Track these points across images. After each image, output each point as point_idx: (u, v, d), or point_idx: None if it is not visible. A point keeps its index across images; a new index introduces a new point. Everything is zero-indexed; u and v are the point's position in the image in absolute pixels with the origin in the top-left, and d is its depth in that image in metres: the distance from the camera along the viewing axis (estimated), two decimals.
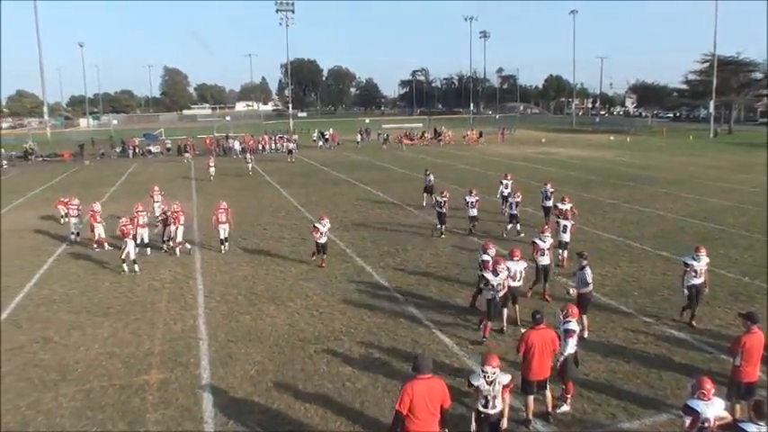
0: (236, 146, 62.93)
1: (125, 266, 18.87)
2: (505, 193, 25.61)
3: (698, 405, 7.43)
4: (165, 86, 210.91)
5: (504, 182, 26.26)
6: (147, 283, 17.71)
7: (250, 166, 45.52)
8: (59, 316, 15.16)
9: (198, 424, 9.97)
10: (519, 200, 23.23)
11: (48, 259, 20.72)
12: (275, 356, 12.49)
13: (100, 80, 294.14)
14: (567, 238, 18.57)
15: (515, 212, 22.76)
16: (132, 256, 18.95)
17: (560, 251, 18.59)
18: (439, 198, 23.06)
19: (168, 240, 21.54)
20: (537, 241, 15.59)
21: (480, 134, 75.90)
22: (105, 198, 32.94)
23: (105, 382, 11.52)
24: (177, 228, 21.11)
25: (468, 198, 23.11)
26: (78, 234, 23.26)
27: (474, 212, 23.03)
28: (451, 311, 14.86)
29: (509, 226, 22.71)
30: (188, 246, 21.49)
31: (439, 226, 22.94)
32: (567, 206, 20.61)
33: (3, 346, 13.27)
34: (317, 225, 18.85)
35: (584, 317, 13.07)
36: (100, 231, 21.96)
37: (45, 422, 10.13)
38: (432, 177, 30.35)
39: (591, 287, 13.41)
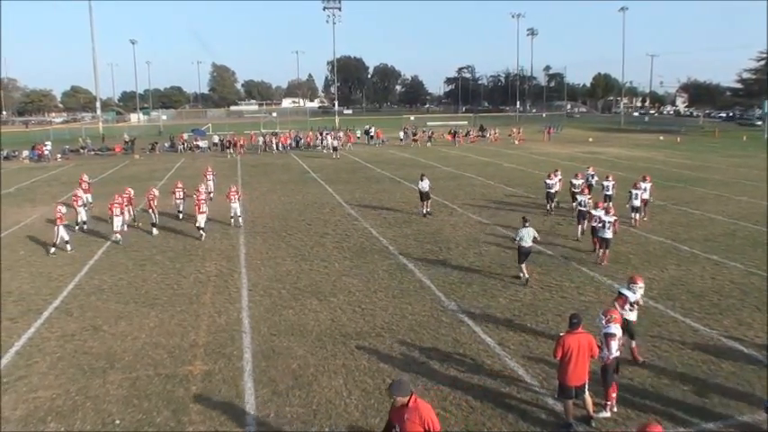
0: (329, 140, 61.15)
1: (52, 249, 21.08)
2: (610, 192, 26.37)
3: None
4: (214, 83, 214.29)
5: (606, 183, 26.94)
6: (192, 276, 18.04)
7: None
8: (108, 305, 15.56)
9: (240, 415, 10.10)
10: (614, 182, 26.50)
11: (98, 250, 21.29)
12: (317, 351, 12.59)
13: (150, 76, 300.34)
14: (637, 203, 23.67)
15: (638, 205, 24.35)
16: (56, 240, 21.13)
17: (633, 214, 23.74)
18: (548, 181, 26.80)
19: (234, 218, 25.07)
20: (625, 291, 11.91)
21: (480, 130, 74.59)
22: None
23: (151, 371, 11.78)
24: (113, 218, 22.62)
25: (548, 181, 26.94)
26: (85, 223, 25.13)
27: (554, 190, 26.88)
28: (494, 311, 14.74)
29: (636, 216, 24.43)
30: (119, 236, 22.53)
31: (549, 205, 26.98)
32: (579, 181, 26.58)
33: (56, 334, 13.72)
34: (623, 293, 11.68)
35: (523, 265, 16.87)
36: (116, 223, 23.00)
37: (93, 407, 10.41)
38: (427, 183, 26.68)
39: (524, 242, 16.76)
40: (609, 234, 18.54)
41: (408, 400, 6.98)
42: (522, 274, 16.95)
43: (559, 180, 27.40)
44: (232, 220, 25.03)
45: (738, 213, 26.35)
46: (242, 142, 63.44)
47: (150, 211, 24.43)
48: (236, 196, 25.16)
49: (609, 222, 18.51)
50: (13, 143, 66.77)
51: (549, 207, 27.09)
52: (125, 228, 23.30)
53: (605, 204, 20.40)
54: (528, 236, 16.84)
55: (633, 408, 10.15)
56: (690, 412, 10.00)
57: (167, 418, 10.06)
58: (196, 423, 9.88)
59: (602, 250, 18.82)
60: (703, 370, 11.51)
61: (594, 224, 19.21)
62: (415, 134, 70.50)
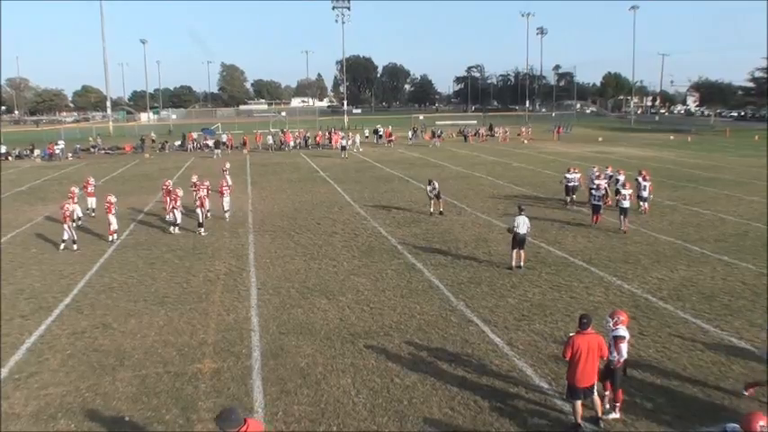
0: (343, 142, 56.73)
1: (62, 245, 21.35)
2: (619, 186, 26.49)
3: None
4: (223, 82, 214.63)
5: (619, 178, 27.50)
6: (202, 275, 18.10)
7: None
8: (118, 303, 15.63)
9: (248, 414, 10.10)
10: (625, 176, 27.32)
11: (108, 248, 21.41)
12: (325, 350, 12.60)
13: (160, 76, 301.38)
14: (645, 194, 26.21)
15: (646, 195, 26.57)
16: (65, 237, 21.38)
17: (641, 203, 26.13)
18: (568, 175, 28.54)
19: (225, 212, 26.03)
20: None
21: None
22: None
23: (160, 369, 11.82)
24: (109, 217, 22.94)
25: (568, 175, 28.67)
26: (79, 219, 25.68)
27: (574, 184, 28.58)
28: (503, 311, 14.71)
29: (645, 204, 26.57)
30: (114, 236, 22.73)
31: (568, 198, 28.53)
32: (575, 175, 28.94)
33: (66, 331, 13.80)
34: None
35: (514, 252, 18.10)
36: (113, 222, 23.16)
37: (103, 404, 10.47)
38: (436, 185, 26.24)
39: (519, 229, 17.73)
40: (627, 204, 22.92)
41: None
42: (514, 264, 18.16)
43: (597, 176, 28.34)
44: (227, 214, 26.01)
45: (750, 214, 26.16)
46: (233, 142, 64.59)
47: (175, 211, 24.04)
48: (228, 190, 26.38)
49: (627, 194, 23.01)
50: (16, 142, 67.22)
51: (568, 200, 28.53)
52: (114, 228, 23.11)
53: (605, 187, 24.63)
54: (523, 223, 17.90)
55: (643, 409, 10.10)
56: (699, 414, 9.94)
57: (176, 415, 10.10)
58: (204, 421, 9.91)
59: (623, 218, 22.85)
60: (713, 371, 11.44)
61: (594, 202, 23.76)
62: (390, 134, 69.25)
